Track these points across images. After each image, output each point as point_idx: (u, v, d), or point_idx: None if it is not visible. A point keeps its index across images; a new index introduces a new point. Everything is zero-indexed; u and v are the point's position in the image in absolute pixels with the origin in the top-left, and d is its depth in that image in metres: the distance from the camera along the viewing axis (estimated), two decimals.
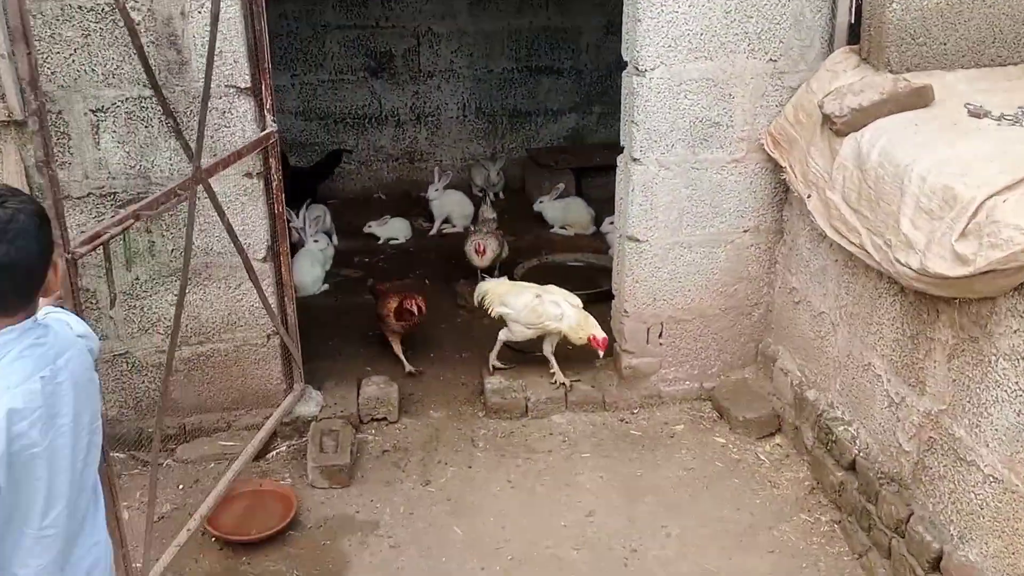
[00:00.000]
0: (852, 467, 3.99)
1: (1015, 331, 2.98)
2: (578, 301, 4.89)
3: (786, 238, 4.64)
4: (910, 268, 3.30)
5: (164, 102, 3.60)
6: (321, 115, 8.16)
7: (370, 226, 7.30)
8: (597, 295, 5.39)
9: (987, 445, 3.14)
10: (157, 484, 4.29)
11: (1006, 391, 3.04)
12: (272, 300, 4.47)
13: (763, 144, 4.48)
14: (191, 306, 4.43)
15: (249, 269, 4.21)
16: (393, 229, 7.27)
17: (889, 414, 3.74)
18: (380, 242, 7.27)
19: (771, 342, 4.86)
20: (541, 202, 7.53)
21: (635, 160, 4.48)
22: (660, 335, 4.84)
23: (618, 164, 4.67)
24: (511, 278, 6.30)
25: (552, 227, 7.49)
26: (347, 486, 4.36)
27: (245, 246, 4.34)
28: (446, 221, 7.51)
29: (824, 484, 4.21)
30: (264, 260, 4.41)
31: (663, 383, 4.95)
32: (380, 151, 8.34)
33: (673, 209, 4.57)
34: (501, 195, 8.27)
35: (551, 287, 5.00)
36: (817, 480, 4.28)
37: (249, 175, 4.27)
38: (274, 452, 4.61)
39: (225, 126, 4.15)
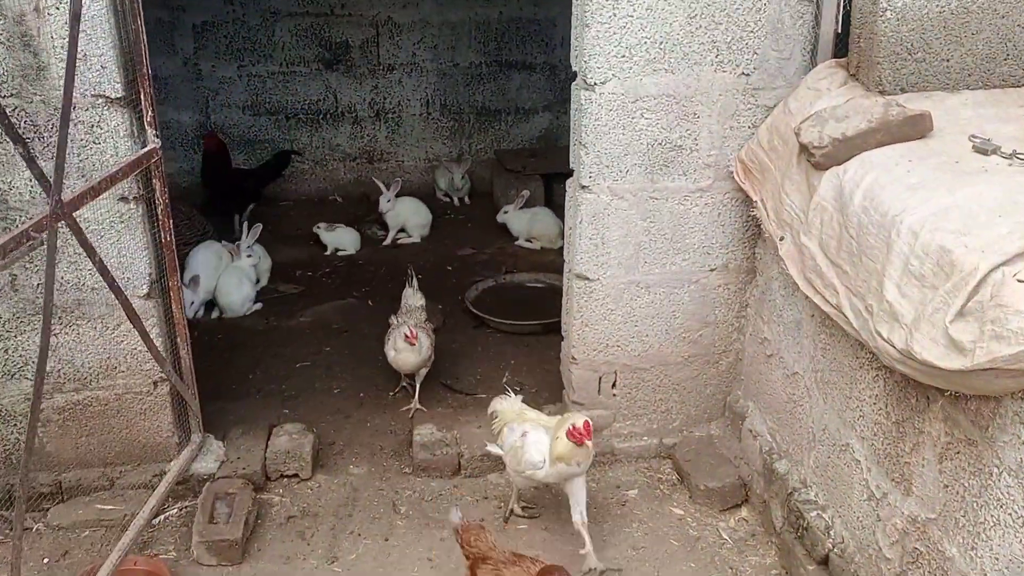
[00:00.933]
0: (825, 562, 3.38)
1: (1023, 442, 2.35)
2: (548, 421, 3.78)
3: (759, 279, 4.00)
4: (893, 346, 2.67)
5: (8, 126, 2.95)
6: (271, 110, 7.52)
7: (319, 227, 6.67)
8: (549, 326, 4.76)
9: (984, 574, 2.52)
10: (20, 555, 3.72)
11: (1011, 514, 2.41)
12: (159, 342, 3.85)
13: (732, 172, 3.83)
14: (63, 348, 3.82)
15: (127, 308, 3.58)
16: (341, 239, 6.64)
17: (869, 509, 3.12)
18: (327, 252, 6.65)
19: (740, 396, 4.23)
20: (506, 212, 6.90)
21: (583, 187, 3.84)
22: (613, 385, 4.22)
23: (567, 191, 4.03)
24: (463, 300, 5.71)
25: (517, 239, 6.85)
26: (238, 564, 3.74)
27: (123, 281, 3.72)
28: (402, 230, 6.88)
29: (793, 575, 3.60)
30: (147, 297, 3.79)
31: (616, 439, 4.33)
32: (336, 150, 7.71)
33: (628, 244, 3.94)
34: (467, 200, 7.66)
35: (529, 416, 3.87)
36: (786, 570, 3.66)
37: (125, 199, 3.64)
38: (163, 516, 4.00)
39: (93, 143, 3.52)
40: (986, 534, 2.50)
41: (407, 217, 6.82)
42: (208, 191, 7.07)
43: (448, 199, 7.63)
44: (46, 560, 3.75)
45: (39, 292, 3.68)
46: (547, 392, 4.68)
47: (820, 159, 3.27)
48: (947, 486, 2.67)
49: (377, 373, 5.05)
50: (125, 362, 3.88)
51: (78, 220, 3.40)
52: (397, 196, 6.74)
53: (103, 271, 3.36)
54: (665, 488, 4.19)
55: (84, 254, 3.53)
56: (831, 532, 3.36)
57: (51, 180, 2.94)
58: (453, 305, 5.77)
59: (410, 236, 6.88)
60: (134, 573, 3.62)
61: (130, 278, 3.74)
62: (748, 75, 3.71)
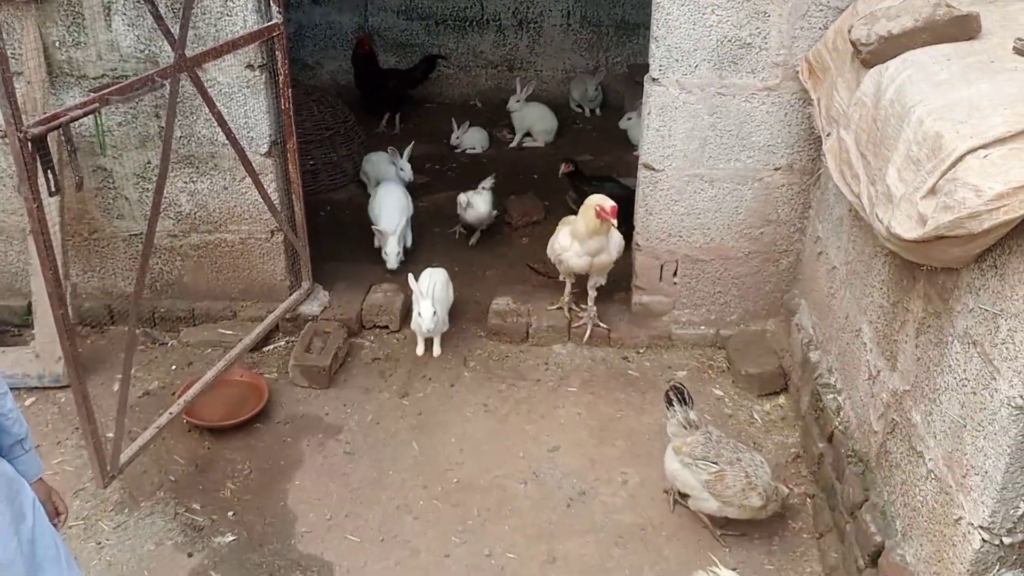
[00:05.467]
0: (831, 439, 3.61)
1: (970, 310, 2.52)
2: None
3: (822, 180, 4.15)
4: (882, 225, 2.85)
5: None
6: (423, 15, 8.03)
7: (457, 137, 7.14)
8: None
9: (935, 437, 2.72)
10: (155, 362, 4.51)
11: (955, 378, 2.60)
12: (276, 196, 4.48)
13: (799, 72, 3.98)
14: (199, 195, 4.53)
15: (245, 162, 4.22)
16: (470, 139, 7.12)
17: (867, 387, 3.32)
18: (457, 151, 7.15)
19: (796, 294, 4.42)
20: (628, 118, 7.11)
21: (654, 80, 4.11)
22: (675, 273, 4.51)
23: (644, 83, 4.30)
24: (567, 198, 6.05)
25: (636, 147, 7.08)
26: (325, 388, 4.38)
27: (248, 140, 4.36)
28: (527, 135, 7.28)
29: (809, 454, 3.84)
30: (267, 155, 4.41)
31: (675, 325, 4.63)
32: (479, 56, 8.14)
33: (694, 138, 4.18)
34: (598, 111, 7.93)
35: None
36: (804, 448, 3.91)
37: (251, 67, 4.24)
38: (272, 346, 4.70)
39: (226, 15, 4.12)
40: (939, 399, 2.70)
41: (533, 121, 7.21)
42: (359, 90, 7.72)
43: (580, 109, 7.94)
44: (174, 367, 4.53)
45: (180, 143, 4.38)
46: (624, 280, 5.01)
47: (866, 56, 3.40)
48: (919, 359, 2.86)
49: (473, 256, 5.55)
50: (248, 211, 4.55)
51: (209, 81, 4.04)
52: (528, 101, 7.13)
53: (221, 123, 3.99)
54: (713, 373, 4.48)
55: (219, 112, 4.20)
56: (840, 412, 3.58)
57: (175, 36, 3.54)
58: (557, 203, 6.13)
59: (535, 140, 7.27)
60: (239, 384, 4.33)
61: (253, 138, 4.36)
62: None
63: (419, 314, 4.41)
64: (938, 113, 2.85)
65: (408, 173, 6.02)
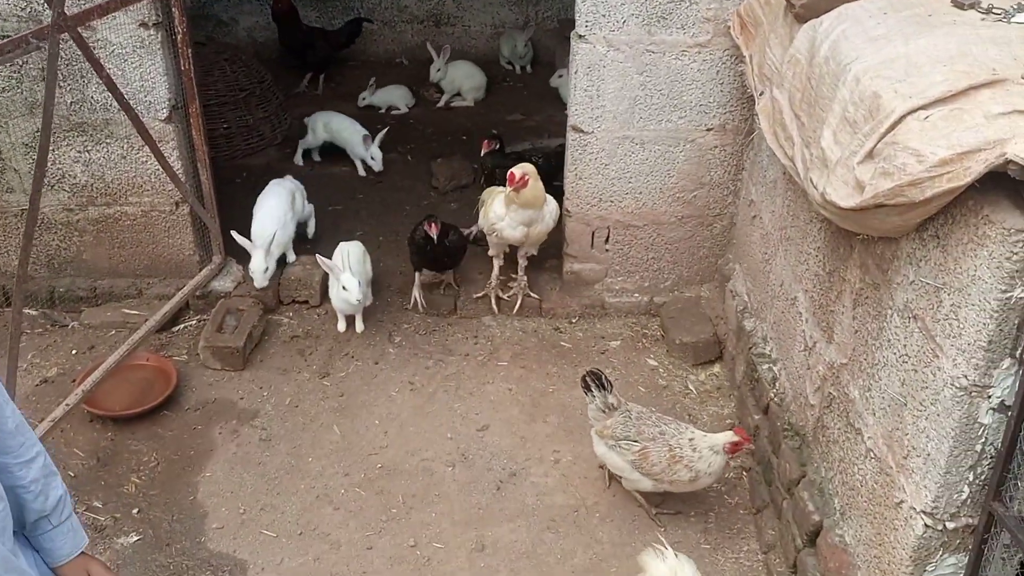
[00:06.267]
0: (766, 411, 3.49)
1: (911, 283, 2.38)
2: None
3: (755, 141, 3.99)
4: (816, 191, 2.69)
5: None
6: None
7: (363, 98, 6.82)
8: None
9: (874, 414, 2.60)
10: (53, 347, 4.20)
11: (894, 353, 2.47)
12: (179, 165, 4.17)
13: (730, 27, 3.79)
14: (94, 165, 4.19)
15: (140, 128, 3.90)
16: (389, 96, 6.80)
17: (803, 359, 3.19)
18: (381, 111, 6.84)
19: (730, 259, 4.28)
20: (560, 76, 6.86)
21: (580, 37, 3.89)
22: (606, 240, 4.33)
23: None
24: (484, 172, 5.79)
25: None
26: (240, 370, 4.13)
27: (146, 104, 4.04)
28: (457, 94, 7.00)
29: (744, 425, 3.71)
30: (167, 120, 4.09)
31: (608, 293, 4.47)
32: (404, 11, 7.78)
33: (623, 98, 3.98)
34: (529, 68, 7.66)
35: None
36: (740, 420, 3.79)
37: (145, 25, 3.90)
38: (182, 326, 4.42)
39: None
40: (878, 375, 2.57)
41: (461, 81, 6.92)
42: (281, 47, 7.33)
43: (511, 67, 7.66)
44: (74, 351, 4.22)
45: (72, 109, 4.03)
46: (553, 248, 4.82)
47: (799, 10, 3.22)
48: (856, 331, 2.73)
49: (400, 221, 5.29)
50: (149, 182, 4.23)
51: (100, 41, 3.70)
52: (450, 61, 6.83)
53: (111, 87, 3.66)
54: (647, 343, 4.33)
55: (114, 76, 3.87)
56: (776, 383, 3.46)
57: None
58: None
59: (464, 100, 6.99)
60: (144, 368, 4.06)
61: (151, 102, 4.04)
62: None
63: (344, 287, 4.14)
64: (875, 71, 2.68)
65: (378, 162, 5.73)
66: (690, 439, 3.25)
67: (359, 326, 4.36)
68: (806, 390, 3.13)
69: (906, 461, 2.40)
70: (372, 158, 5.72)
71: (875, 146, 2.44)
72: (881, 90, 2.58)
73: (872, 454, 2.59)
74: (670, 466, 3.23)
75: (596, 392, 3.39)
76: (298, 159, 5.98)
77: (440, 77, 6.82)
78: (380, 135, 5.75)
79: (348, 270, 4.14)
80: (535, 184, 4.00)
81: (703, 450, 3.22)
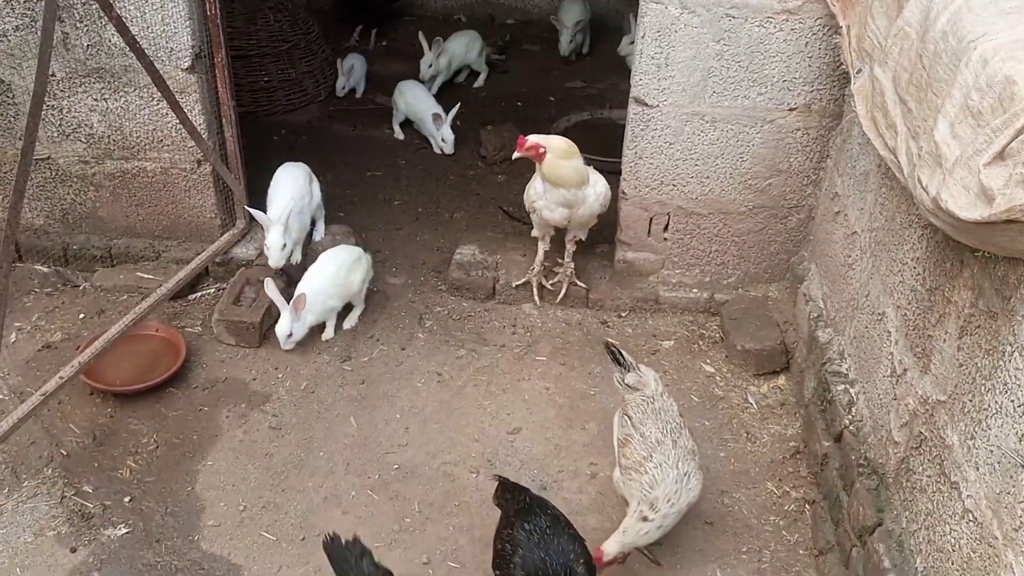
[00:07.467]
0: (839, 439, 3.04)
1: None
2: None
3: (843, 125, 3.49)
4: (927, 194, 2.22)
5: None
6: None
7: (429, 64, 6.20)
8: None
9: (977, 468, 2.14)
10: (61, 309, 3.93)
11: (1011, 401, 2.00)
12: (201, 119, 3.82)
13: None
14: (112, 115, 3.87)
15: (155, 77, 3.54)
16: (459, 47, 6.23)
17: (888, 386, 2.73)
18: (461, 79, 6.37)
19: (805, 257, 3.81)
20: (631, 43, 6.34)
21: None
22: (665, 228, 3.88)
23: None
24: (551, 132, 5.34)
25: None
26: (255, 347, 3.80)
27: (167, 52, 3.69)
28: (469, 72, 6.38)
29: (811, 451, 3.27)
30: (190, 70, 3.73)
31: (663, 286, 4.02)
32: None
33: (695, 69, 3.51)
34: (584, 51, 7.11)
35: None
36: (805, 444, 3.34)
37: None
38: (199, 294, 4.10)
39: None
40: (987, 422, 2.11)
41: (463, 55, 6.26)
42: None
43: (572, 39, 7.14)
44: (82, 315, 3.92)
45: (89, 53, 3.70)
46: (607, 232, 4.39)
47: None
48: (961, 365, 2.26)
49: (442, 192, 4.91)
50: (170, 136, 3.89)
51: None
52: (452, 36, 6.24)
53: (122, 30, 3.31)
54: (704, 345, 3.88)
55: (134, 17, 3.54)
56: (852, 408, 3.00)
57: None
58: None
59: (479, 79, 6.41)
60: (153, 339, 3.74)
61: (173, 49, 3.68)
62: None
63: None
64: (1008, 51, 2.18)
65: (449, 145, 5.24)
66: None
67: (328, 332, 3.88)
68: (890, 423, 2.68)
69: (1017, 534, 1.95)
70: (443, 140, 5.23)
71: (1008, 145, 1.96)
72: (1017, 75, 2.09)
73: (971, 516, 2.14)
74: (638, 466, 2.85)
75: (613, 365, 3.06)
76: (398, 133, 5.53)
77: (432, 73, 6.02)
78: (451, 112, 5.25)
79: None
80: (554, 161, 3.54)
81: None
